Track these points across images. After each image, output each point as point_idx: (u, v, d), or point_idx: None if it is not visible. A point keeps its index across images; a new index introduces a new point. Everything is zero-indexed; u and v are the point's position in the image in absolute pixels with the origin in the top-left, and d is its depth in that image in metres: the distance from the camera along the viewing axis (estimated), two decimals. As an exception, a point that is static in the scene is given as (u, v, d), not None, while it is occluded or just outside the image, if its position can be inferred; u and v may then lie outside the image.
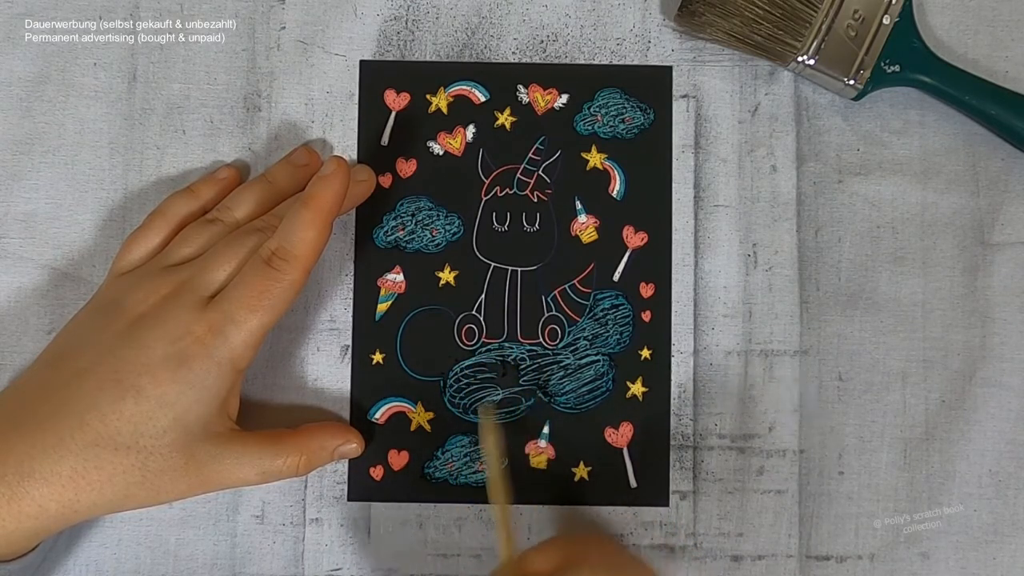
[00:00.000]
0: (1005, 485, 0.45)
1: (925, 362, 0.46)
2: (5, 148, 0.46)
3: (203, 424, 0.40)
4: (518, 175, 0.46)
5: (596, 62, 0.47)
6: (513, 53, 0.47)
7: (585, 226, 0.46)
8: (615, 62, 0.47)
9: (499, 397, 0.46)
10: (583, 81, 0.47)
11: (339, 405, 0.46)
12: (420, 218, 0.46)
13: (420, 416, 0.46)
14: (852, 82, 0.45)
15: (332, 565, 0.45)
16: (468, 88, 0.47)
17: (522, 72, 0.47)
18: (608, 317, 0.46)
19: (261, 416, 0.45)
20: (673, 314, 0.46)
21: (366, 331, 0.46)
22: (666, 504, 0.45)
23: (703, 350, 0.46)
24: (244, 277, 0.40)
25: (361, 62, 0.47)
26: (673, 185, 0.46)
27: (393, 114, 0.47)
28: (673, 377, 0.46)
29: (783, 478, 0.45)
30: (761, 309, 0.46)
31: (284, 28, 0.47)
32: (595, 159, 0.47)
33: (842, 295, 0.46)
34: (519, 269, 0.46)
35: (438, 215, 0.46)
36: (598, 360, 0.46)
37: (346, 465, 0.45)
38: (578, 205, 0.46)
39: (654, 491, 0.45)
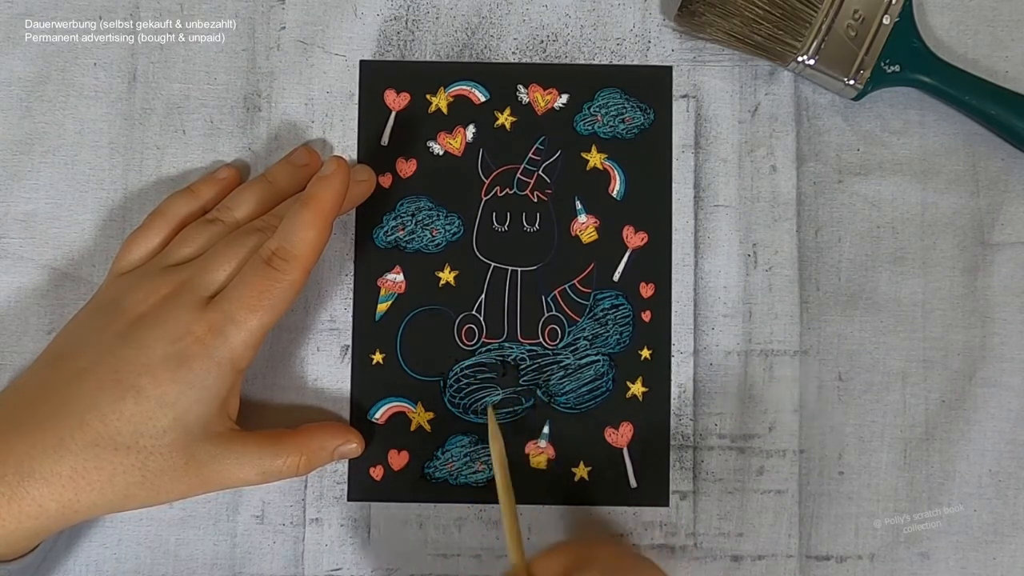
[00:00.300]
0: (1005, 485, 0.45)
1: (925, 362, 0.46)
2: (5, 148, 0.46)
3: (203, 424, 0.40)
4: (518, 175, 0.46)
5: (596, 62, 0.47)
6: (513, 53, 0.47)
7: (585, 226, 0.46)
8: (615, 62, 0.47)
9: (499, 397, 0.46)
10: (583, 81, 0.47)
11: (339, 405, 0.46)
12: (420, 218, 0.46)
13: (420, 416, 0.46)
14: (852, 82, 0.45)
15: (332, 565, 0.45)
16: (468, 88, 0.47)
17: (522, 72, 0.47)
18: (608, 317, 0.46)
19: (261, 416, 0.45)
20: (673, 314, 0.46)
21: (366, 331, 0.46)
22: (666, 504, 0.45)
23: (703, 350, 0.46)
24: (244, 277, 0.40)
25: (361, 62, 0.47)
26: (673, 185, 0.46)
27: (393, 114, 0.47)
28: (673, 377, 0.46)
29: (783, 478, 0.45)
30: (761, 309, 0.46)
31: (284, 28, 0.47)
32: (595, 159, 0.47)
33: (842, 295, 0.46)
34: (519, 269, 0.46)
35: (438, 215, 0.46)
36: (598, 360, 0.46)
37: (346, 465, 0.45)
38: (578, 205, 0.46)
39: (654, 491, 0.45)
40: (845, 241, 0.46)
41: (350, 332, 0.46)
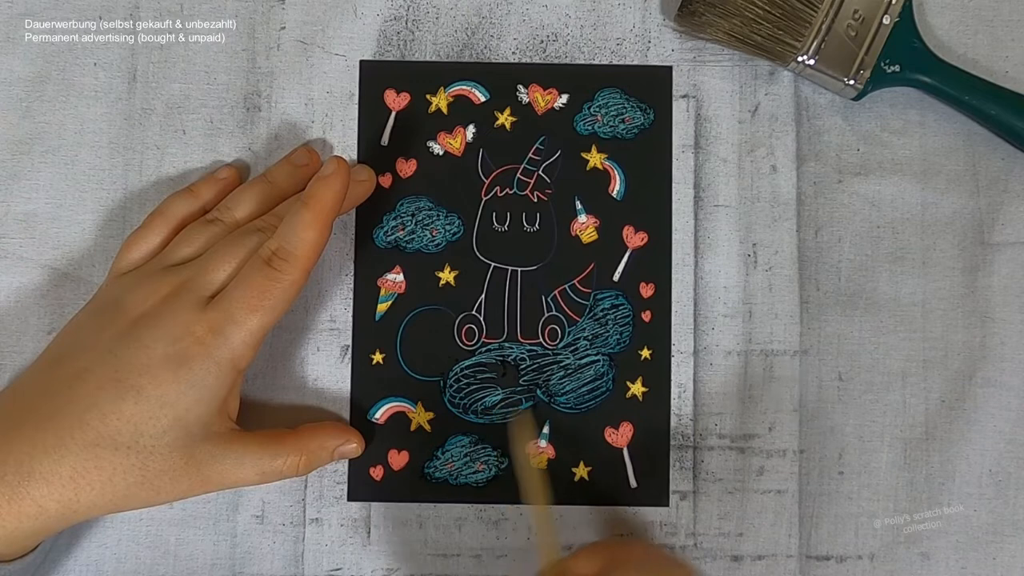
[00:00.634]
0: (1005, 485, 0.45)
1: (925, 362, 0.46)
2: (5, 148, 0.46)
3: (203, 424, 0.40)
4: (518, 175, 0.46)
5: (596, 62, 0.47)
6: (513, 53, 0.47)
7: (585, 226, 0.46)
8: (615, 62, 0.47)
9: (499, 397, 0.46)
10: (583, 81, 0.47)
11: (339, 405, 0.46)
12: (420, 218, 0.46)
13: (420, 416, 0.46)
14: (852, 82, 0.45)
15: (332, 565, 0.45)
16: (468, 88, 0.47)
17: (522, 72, 0.47)
18: (608, 317, 0.46)
19: (261, 416, 0.45)
20: (673, 314, 0.46)
21: (366, 331, 0.46)
22: (666, 504, 0.45)
23: (703, 350, 0.46)
24: (244, 277, 0.40)
25: (361, 62, 0.47)
26: (673, 185, 0.46)
27: (393, 114, 0.47)
28: (673, 377, 0.46)
29: (783, 478, 0.45)
30: (761, 309, 0.46)
31: (284, 28, 0.47)
32: (595, 159, 0.47)
33: (842, 295, 0.46)
34: (519, 269, 0.46)
35: (438, 215, 0.46)
36: (598, 360, 0.46)
37: (346, 465, 0.45)
38: (578, 205, 0.46)
39: (654, 491, 0.45)
40: (845, 241, 0.46)
41: (350, 332, 0.46)
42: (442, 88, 0.47)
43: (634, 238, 0.46)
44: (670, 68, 0.47)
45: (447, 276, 0.46)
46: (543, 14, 0.47)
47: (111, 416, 0.38)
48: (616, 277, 0.46)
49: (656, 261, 0.46)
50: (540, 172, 0.46)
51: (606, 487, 0.45)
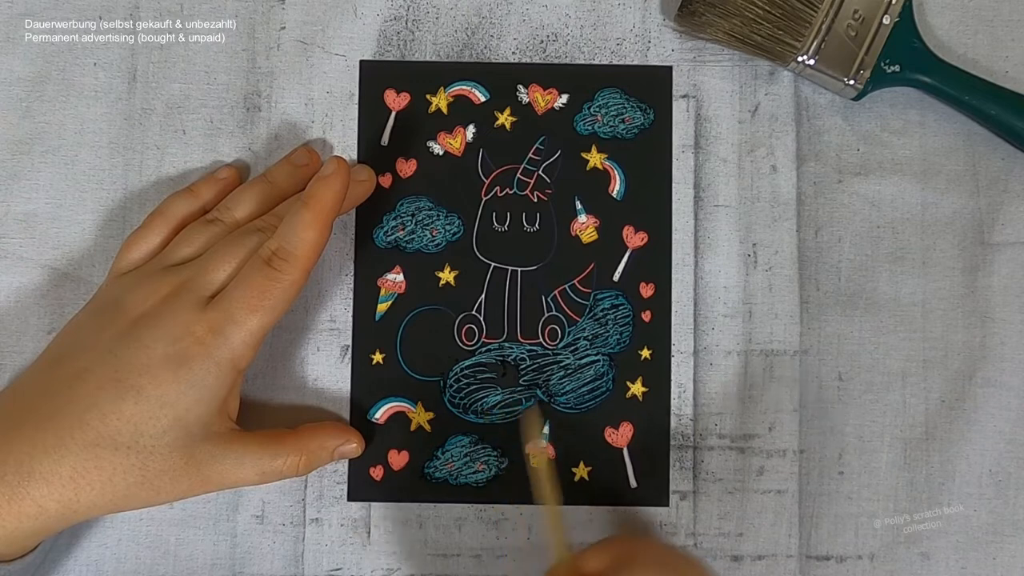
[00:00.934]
0: (1005, 485, 0.45)
1: (925, 362, 0.46)
2: (5, 148, 0.46)
3: (203, 424, 0.40)
4: (518, 175, 0.46)
5: (596, 62, 0.47)
6: (513, 53, 0.47)
7: (585, 226, 0.46)
8: (615, 62, 0.47)
9: (499, 397, 0.46)
10: (583, 81, 0.47)
11: (339, 405, 0.46)
12: (420, 218, 0.46)
13: (420, 416, 0.46)
14: (852, 82, 0.45)
15: (332, 565, 0.45)
16: (468, 88, 0.47)
17: (522, 72, 0.47)
18: (608, 317, 0.46)
19: (261, 416, 0.45)
20: (673, 314, 0.46)
21: (366, 331, 0.46)
22: (666, 504, 0.45)
23: (703, 350, 0.46)
24: (244, 277, 0.40)
25: (361, 62, 0.47)
26: (673, 185, 0.46)
27: (393, 114, 0.47)
28: (673, 377, 0.46)
29: (783, 478, 0.45)
30: (761, 309, 0.46)
31: (284, 28, 0.47)
32: (595, 159, 0.47)
33: (842, 295, 0.46)
34: (519, 269, 0.46)
35: (438, 215, 0.46)
36: (598, 360, 0.46)
37: (346, 465, 0.45)
38: (578, 205, 0.46)
39: (654, 491, 0.45)
40: (845, 241, 0.46)
41: (350, 332, 0.46)
42: (442, 88, 0.47)
43: (634, 238, 0.46)
44: (670, 68, 0.47)
45: (447, 276, 0.46)
46: (543, 14, 0.47)
47: (111, 416, 0.38)
48: (616, 277, 0.46)
49: (656, 261, 0.46)
50: (540, 172, 0.46)
51: (606, 487, 0.45)
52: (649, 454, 0.45)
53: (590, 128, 0.47)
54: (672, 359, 0.46)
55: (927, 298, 0.46)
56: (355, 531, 0.45)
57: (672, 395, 0.46)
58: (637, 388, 0.46)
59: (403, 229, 0.46)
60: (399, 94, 0.47)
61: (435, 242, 0.46)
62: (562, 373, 0.46)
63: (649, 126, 0.47)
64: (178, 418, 0.39)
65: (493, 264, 0.46)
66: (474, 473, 0.45)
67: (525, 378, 0.46)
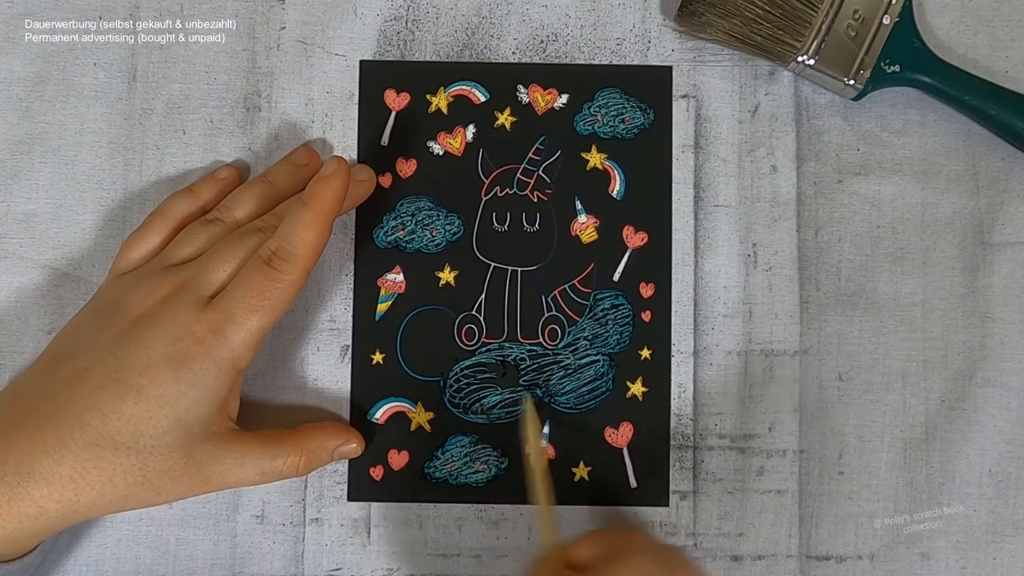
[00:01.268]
0: (1005, 485, 0.45)
1: (925, 362, 0.46)
2: (5, 148, 0.46)
3: (203, 424, 0.40)
4: (518, 175, 0.46)
5: (596, 62, 0.47)
6: (513, 53, 0.47)
7: (585, 226, 0.46)
8: (615, 62, 0.47)
9: (499, 397, 0.46)
10: (583, 81, 0.47)
11: (339, 405, 0.46)
12: (420, 218, 0.46)
13: (420, 416, 0.46)
14: (852, 82, 0.45)
15: (332, 565, 0.45)
16: (468, 88, 0.47)
17: (522, 72, 0.47)
18: (608, 317, 0.46)
19: (261, 416, 0.45)
20: (673, 314, 0.46)
21: (366, 331, 0.46)
22: (666, 504, 0.45)
23: (703, 350, 0.46)
24: (244, 277, 0.40)
25: (361, 62, 0.47)
26: (673, 185, 0.46)
27: (393, 114, 0.47)
28: (673, 377, 0.46)
29: (783, 478, 0.45)
30: (761, 309, 0.46)
31: (284, 28, 0.47)
32: (595, 159, 0.47)
33: (842, 295, 0.46)
34: (519, 269, 0.46)
35: (438, 215, 0.46)
36: (598, 360, 0.46)
37: (346, 465, 0.45)
38: (578, 205, 0.46)
39: (654, 491, 0.45)
40: (845, 241, 0.46)
41: (350, 332, 0.46)
42: (442, 88, 0.47)
43: (634, 238, 0.46)
44: (670, 68, 0.47)
45: (447, 276, 0.46)
46: (543, 14, 0.47)
47: (111, 416, 0.38)
48: (616, 277, 0.46)
49: (656, 261, 0.46)
50: (540, 172, 0.46)
51: (606, 487, 0.45)
52: (649, 454, 0.45)
53: (590, 128, 0.47)
54: (672, 359, 0.46)
55: (927, 298, 0.46)
56: (355, 531, 0.45)
57: (672, 395, 0.46)
58: (637, 388, 0.46)
59: (403, 229, 0.46)
60: (399, 94, 0.47)
61: (435, 242, 0.46)
62: (562, 373, 0.46)
63: (649, 126, 0.47)
64: (178, 418, 0.39)
65: (493, 264, 0.46)
66: (474, 473, 0.45)
67: (525, 378, 0.46)
